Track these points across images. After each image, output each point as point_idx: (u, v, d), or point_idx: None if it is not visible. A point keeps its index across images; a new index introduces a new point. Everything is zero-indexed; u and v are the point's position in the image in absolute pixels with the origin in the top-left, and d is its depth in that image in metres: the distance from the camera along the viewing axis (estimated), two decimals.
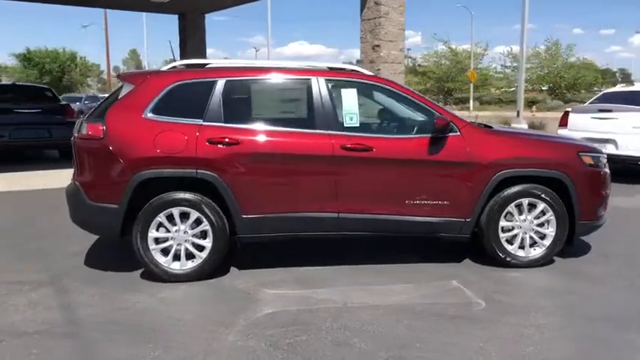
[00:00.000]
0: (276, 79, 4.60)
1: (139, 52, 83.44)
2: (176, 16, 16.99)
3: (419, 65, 52.61)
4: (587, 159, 4.60)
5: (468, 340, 3.27)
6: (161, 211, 4.20)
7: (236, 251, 4.69)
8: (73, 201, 4.38)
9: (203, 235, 4.28)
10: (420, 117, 4.60)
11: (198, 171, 4.18)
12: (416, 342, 3.24)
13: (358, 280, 4.32)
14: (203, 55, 17.80)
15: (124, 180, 4.15)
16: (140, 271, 4.45)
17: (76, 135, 4.36)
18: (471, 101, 43.11)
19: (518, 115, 17.48)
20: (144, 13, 39.33)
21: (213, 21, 77.99)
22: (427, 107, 4.56)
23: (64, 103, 12.85)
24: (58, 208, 7.09)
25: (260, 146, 4.27)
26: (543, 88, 47.26)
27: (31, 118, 11.14)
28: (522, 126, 15.23)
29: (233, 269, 4.55)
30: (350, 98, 4.48)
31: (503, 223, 4.51)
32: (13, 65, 53.89)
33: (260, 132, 4.33)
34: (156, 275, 4.25)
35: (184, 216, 4.25)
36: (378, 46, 10.93)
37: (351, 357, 3.07)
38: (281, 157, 4.29)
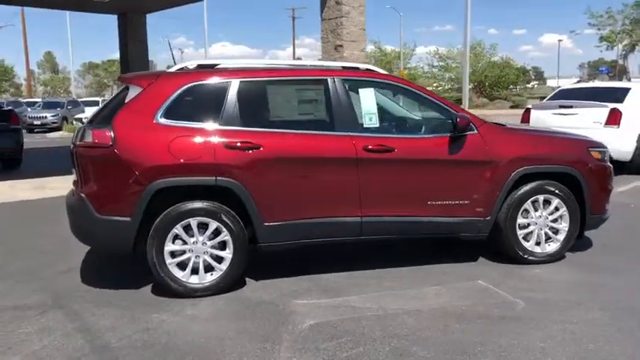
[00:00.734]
0: (290, 79, 4.41)
1: (54, 54, 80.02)
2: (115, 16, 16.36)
3: None
4: (596, 154, 4.70)
5: (525, 340, 3.22)
6: (178, 222, 3.91)
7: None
8: (78, 215, 4.01)
9: (222, 245, 4.02)
10: (437, 116, 4.55)
11: (218, 178, 3.92)
12: (475, 346, 3.16)
13: (383, 285, 4.21)
14: (145, 56, 17.13)
15: (137, 190, 3.82)
16: (148, 287, 4.14)
17: (77, 143, 3.98)
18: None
19: None
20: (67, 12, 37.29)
21: None
22: (444, 106, 4.51)
23: (7, 108, 11.94)
24: (18, 224, 6.55)
25: (282, 150, 4.05)
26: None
27: None
28: None
29: (249, 280, 4.31)
30: (368, 98, 4.36)
31: (520, 220, 4.53)
32: None
33: (281, 135, 4.11)
34: (173, 291, 3.95)
35: (202, 226, 3.98)
36: (340, 46, 10.86)
37: None
38: (304, 161, 4.09)
